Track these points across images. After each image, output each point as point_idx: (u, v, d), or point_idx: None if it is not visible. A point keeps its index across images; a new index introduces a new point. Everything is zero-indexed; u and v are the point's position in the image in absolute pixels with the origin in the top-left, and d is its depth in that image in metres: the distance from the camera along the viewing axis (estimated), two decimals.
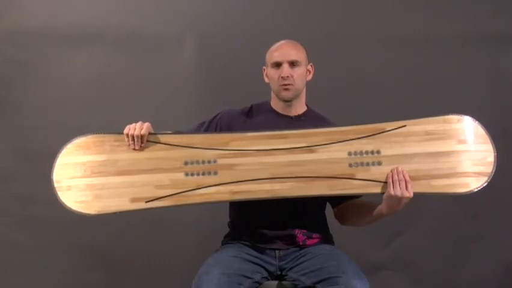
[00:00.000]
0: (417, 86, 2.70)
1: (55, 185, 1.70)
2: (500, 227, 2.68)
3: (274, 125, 1.85)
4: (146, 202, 1.68)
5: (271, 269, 1.78)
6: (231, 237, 1.87)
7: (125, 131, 1.72)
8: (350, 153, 1.71)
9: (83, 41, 2.70)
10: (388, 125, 1.73)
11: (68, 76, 2.71)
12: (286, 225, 1.79)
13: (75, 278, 2.66)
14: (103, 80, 2.71)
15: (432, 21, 2.73)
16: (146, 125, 1.73)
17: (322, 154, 1.71)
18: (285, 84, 1.83)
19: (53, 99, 2.69)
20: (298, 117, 1.90)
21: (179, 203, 1.69)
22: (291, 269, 1.76)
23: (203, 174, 1.71)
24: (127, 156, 1.71)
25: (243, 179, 1.69)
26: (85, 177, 1.70)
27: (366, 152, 1.71)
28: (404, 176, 1.65)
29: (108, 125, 2.66)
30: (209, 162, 1.71)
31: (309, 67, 1.91)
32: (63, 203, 1.69)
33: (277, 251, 1.79)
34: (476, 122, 1.72)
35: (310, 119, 1.90)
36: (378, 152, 1.70)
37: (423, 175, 1.68)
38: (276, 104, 1.92)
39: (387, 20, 2.74)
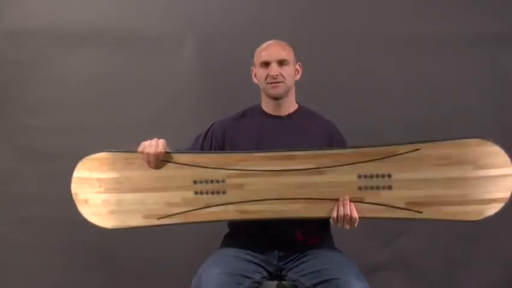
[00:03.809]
0: (417, 86, 2.69)
1: (73, 197, 1.77)
2: (500, 227, 2.68)
3: (266, 127, 1.87)
4: (158, 219, 1.73)
5: (271, 269, 1.78)
6: (231, 237, 1.87)
7: (140, 149, 1.73)
8: (359, 176, 1.67)
9: (83, 41, 2.70)
10: (400, 148, 1.66)
11: (68, 76, 2.71)
12: (286, 225, 1.79)
13: (75, 278, 2.66)
14: (103, 80, 2.71)
15: (433, 21, 2.72)
16: (162, 142, 1.73)
17: (331, 176, 1.69)
18: (274, 82, 1.83)
19: (53, 99, 2.69)
20: (290, 116, 1.91)
21: (189, 220, 1.73)
22: (290, 269, 1.76)
23: (212, 193, 1.73)
24: (138, 174, 1.75)
25: (251, 199, 1.71)
26: (100, 193, 1.75)
27: (377, 176, 1.66)
28: (351, 212, 1.64)
29: (108, 124, 2.68)
30: (217, 181, 1.73)
31: (297, 67, 1.92)
32: (82, 214, 1.76)
33: (277, 251, 1.79)
34: (498, 145, 1.63)
35: (302, 117, 1.92)
36: (389, 175, 1.66)
37: (434, 201, 1.65)
38: (266, 106, 1.93)
39: (387, 20, 2.73)
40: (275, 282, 1.77)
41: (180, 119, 2.67)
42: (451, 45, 2.71)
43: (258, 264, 1.76)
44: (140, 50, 2.71)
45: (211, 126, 1.93)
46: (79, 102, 2.69)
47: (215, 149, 1.88)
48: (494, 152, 1.63)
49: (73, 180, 1.78)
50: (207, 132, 1.92)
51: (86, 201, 1.76)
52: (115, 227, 1.75)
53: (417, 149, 1.66)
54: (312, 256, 1.75)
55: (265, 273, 1.76)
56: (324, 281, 1.63)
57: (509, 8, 2.73)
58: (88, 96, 2.70)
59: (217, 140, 1.89)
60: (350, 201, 1.66)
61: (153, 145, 1.72)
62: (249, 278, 1.69)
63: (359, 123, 2.55)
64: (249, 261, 1.74)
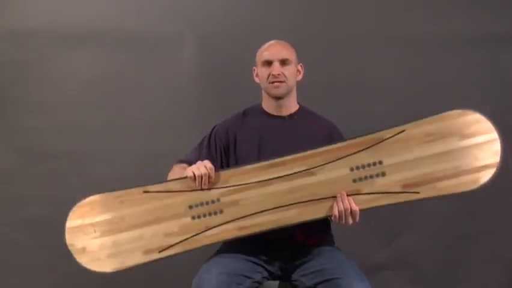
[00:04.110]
0: (417, 85, 2.70)
1: (70, 248, 1.76)
2: (500, 227, 2.68)
3: (268, 127, 1.88)
4: (159, 252, 1.71)
5: (272, 269, 1.78)
6: None
7: (190, 174, 1.70)
8: (352, 169, 1.69)
9: (83, 41, 2.70)
10: (386, 133, 1.70)
11: (68, 76, 2.71)
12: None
13: (75, 278, 2.64)
14: (103, 80, 2.71)
15: (433, 21, 2.72)
16: (208, 162, 1.73)
17: (324, 175, 1.69)
18: (276, 81, 1.84)
19: (53, 99, 2.69)
20: (291, 116, 1.91)
21: (190, 247, 1.71)
22: (291, 269, 1.76)
23: (209, 214, 1.71)
24: (131, 211, 1.73)
25: (249, 213, 1.70)
26: (95, 238, 1.73)
27: (369, 165, 1.68)
28: (350, 206, 1.65)
29: (108, 124, 2.68)
30: (213, 202, 1.72)
31: (299, 67, 1.92)
32: (80, 264, 1.74)
33: (277, 251, 1.78)
34: (477, 112, 1.68)
35: (303, 117, 1.92)
36: (380, 162, 1.68)
37: (429, 179, 1.66)
38: (267, 106, 1.93)
39: (387, 20, 2.74)
40: (276, 282, 1.77)
41: (180, 119, 2.67)
42: (451, 45, 2.71)
43: (258, 264, 1.76)
44: (140, 50, 2.71)
45: (213, 129, 1.93)
46: (79, 102, 2.69)
47: (220, 150, 1.87)
48: (476, 119, 1.68)
49: (67, 231, 1.75)
50: (210, 136, 1.91)
51: (83, 250, 1.74)
52: (117, 270, 1.73)
53: (403, 131, 1.70)
54: (312, 256, 1.75)
55: (265, 273, 1.76)
56: (325, 281, 1.63)
57: (509, 8, 2.73)
58: (88, 96, 2.70)
59: (221, 140, 1.89)
60: (347, 195, 1.67)
61: (201, 167, 1.70)
62: (249, 278, 1.69)
63: (359, 123, 2.53)
64: (249, 261, 1.74)
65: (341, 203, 1.66)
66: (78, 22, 2.71)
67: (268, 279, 1.77)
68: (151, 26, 2.72)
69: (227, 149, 1.88)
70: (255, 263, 1.75)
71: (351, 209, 1.65)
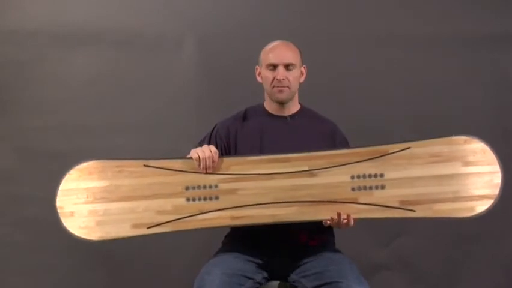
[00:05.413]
0: (417, 86, 2.70)
1: (58, 210, 1.73)
2: (500, 227, 2.68)
3: (269, 127, 1.87)
4: (147, 228, 1.70)
5: (272, 269, 1.78)
6: (232, 237, 1.87)
7: (195, 156, 1.72)
8: (352, 177, 1.70)
9: (83, 41, 2.70)
10: (392, 147, 1.71)
11: (68, 76, 2.70)
12: (288, 226, 1.78)
13: (75, 278, 2.65)
14: (103, 80, 2.70)
15: (433, 21, 2.72)
16: (213, 147, 1.75)
17: (324, 178, 1.71)
18: (280, 86, 1.83)
19: (53, 99, 2.69)
20: (293, 116, 1.91)
21: (180, 228, 1.71)
22: (292, 270, 1.76)
23: (204, 199, 1.72)
24: (128, 182, 1.73)
25: (245, 204, 1.70)
26: (87, 203, 1.72)
27: (370, 176, 1.70)
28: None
29: (108, 125, 2.67)
30: (210, 187, 1.72)
31: (302, 69, 1.91)
32: (66, 228, 1.71)
33: (278, 251, 1.78)
34: (483, 142, 1.70)
35: (304, 117, 1.92)
36: (381, 175, 1.69)
37: (427, 199, 1.67)
38: (269, 106, 1.93)
39: (387, 20, 2.74)
40: (276, 283, 1.77)
41: (180, 119, 2.67)
42: (451, 45, 2.71)
43: (259, 265, 1.76)
44: (140, 50, 2.71)
45: (214, 127, 1.93)
46: (79, 102, 2.69)
47: (221, 149, 1.87)
48: (481, 149, 1.69)
49: (59, 193, 1.73)
50: (211, 134, 1.91)
51: (72, 214, 1.72)
52: (102, 239, 1.71)
53: (408, 148, 1.70)
54: (314, 257, 1.75)
55: (266, 274, 1.76)
56: (325, 284, 1.63)
57: (509, 8, 2.73)
58: (88, 96, 2.69)
59: (221, 139, 1.88)
60: (344, 202, 1.69)
61: (206, 150, 1.72)
62: (250, 278, 1.69)
63: (359, 123, 2.54)
64: (250, 261, 1.75)
65: (337, 221, 1.69)
66: (78, 22, 2.70)
67: (269, 280, 1.77)
68: (151, 26, 2.72)
69: (227, 148, 1.88)
70: (256, 263, 1.75)
71: (347, 223, 1.69)
